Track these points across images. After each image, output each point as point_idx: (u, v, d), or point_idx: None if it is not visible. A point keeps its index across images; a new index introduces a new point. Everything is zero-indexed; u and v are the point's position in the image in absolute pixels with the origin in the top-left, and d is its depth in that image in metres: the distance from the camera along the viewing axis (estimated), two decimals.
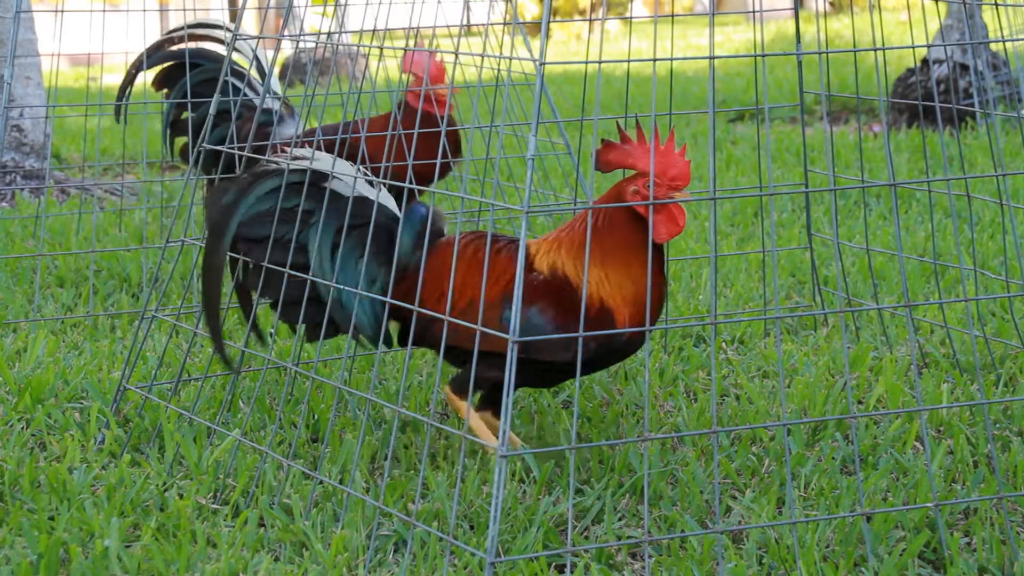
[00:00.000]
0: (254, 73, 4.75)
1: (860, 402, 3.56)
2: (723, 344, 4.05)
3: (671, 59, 2.66)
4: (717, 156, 7.27)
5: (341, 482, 2.99)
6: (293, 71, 11.31)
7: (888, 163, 2.65)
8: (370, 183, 3.09)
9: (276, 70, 4.17)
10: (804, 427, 3.28)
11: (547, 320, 2.94)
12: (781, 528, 2.71)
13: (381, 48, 3.44)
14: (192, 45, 4.82)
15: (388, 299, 3.00)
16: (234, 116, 3.65)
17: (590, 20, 3.20)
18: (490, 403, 3.10)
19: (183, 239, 3.53)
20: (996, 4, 3.73)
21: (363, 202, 3.06)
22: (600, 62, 2.57)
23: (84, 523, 2.79)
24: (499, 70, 4.36)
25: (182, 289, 4.52)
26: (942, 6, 7.95)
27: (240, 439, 3.08)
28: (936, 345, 3.94)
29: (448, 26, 4.47)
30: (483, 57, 2.84)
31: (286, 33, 3.75)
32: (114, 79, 10.59)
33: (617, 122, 2.88)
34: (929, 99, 7.45)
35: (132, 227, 5.62)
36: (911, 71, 8.00)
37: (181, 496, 2.96)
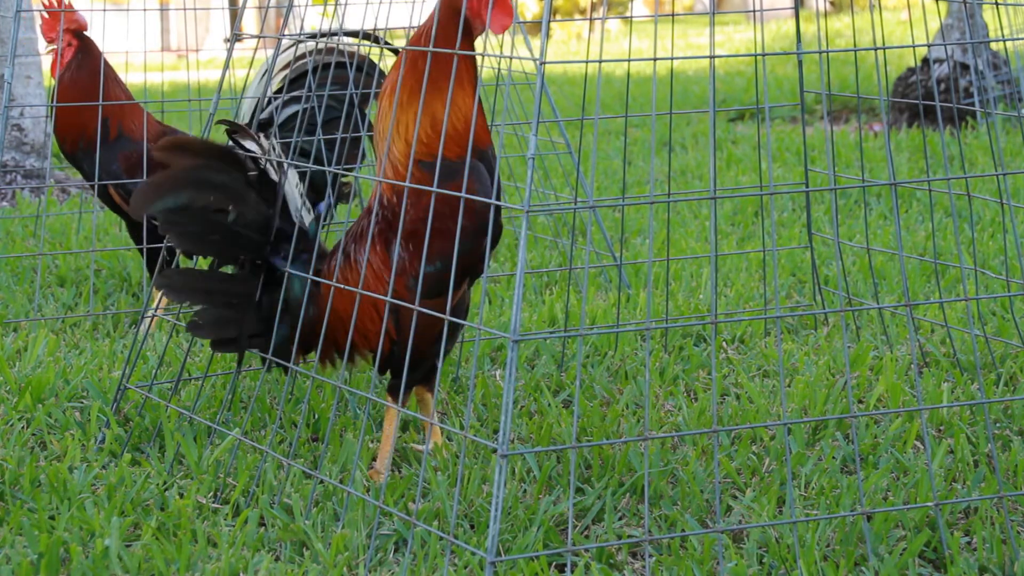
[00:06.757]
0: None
1: (860, 401, 3.56)
2: (723, 343, 4.05)
3: (671, 58, 2.66)
4: (717, 155, 7.27)
5: (342, 482, 2.99)
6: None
7: (888, 162, 2.65)
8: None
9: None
10: (804, 426, 3.28)
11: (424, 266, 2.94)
12: (781, 527, 2.71)
13: (381, 48, 3.43)
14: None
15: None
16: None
17: (590, 19, 3.20)
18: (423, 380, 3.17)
19: None
20: (996, 3, 3.73)
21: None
22: (600, 61, 2.57)
23: (84, 522, 2.79)
24: (499, 69, 4.36)
25: None
26: (942, 5, 7.95)
27: (240, 438, 3.08)
28: (936, 344, 3.94)
29: None
30: (483, 56, 2.84)
31: (286, 33, 3.75)
32: None
33: None
34: (929, 98, 7.45)
35: None
36: (911, 70, 8.00)
37: (181, 495, 2.96)
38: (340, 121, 3.88)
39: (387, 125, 2.97)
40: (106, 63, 4.39)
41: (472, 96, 2.93)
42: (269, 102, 4.00)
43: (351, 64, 3.70)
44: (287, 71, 3.88)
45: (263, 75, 3.84)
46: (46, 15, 4.36)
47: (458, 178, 2.86)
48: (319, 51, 3.80)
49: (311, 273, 3.06)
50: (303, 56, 3.83)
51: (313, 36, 3.75)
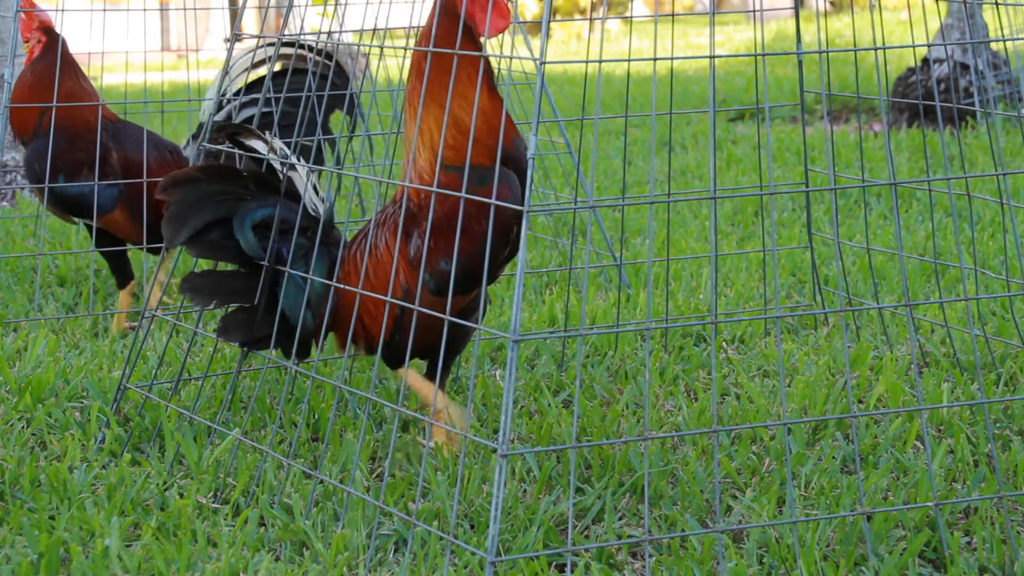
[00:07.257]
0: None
1: (860, 401, 3.56)
2: (723, 343, 4.05)
3: (671, 58, 2.66)
4: (717, 155, 7.27)
5: (342, 482, 2.99)
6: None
7: (888, 162, 2.65)
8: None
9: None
10: (804, 426, 3.28)
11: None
12: (781, 527, 2.71)
13: (381, 48, 3.43)
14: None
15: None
16: None
17: (590, 19, 3.20)
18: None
19: None
20: (996, 3, 3.73)
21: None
22: (600, 61, 2.57)
23: (84, 522, 2.79)
24: (499, 69, 4.36)
25: None
26: (942, 5, 7.95)
27: (240, 438, 3.08)
28: (936, 344, 3.94)
29: None
30: (483, 56, 2.84)
31: (286, 33, 3.75)
32: (114, 79, 10.60)
33: None
34: (929, 98, 7.45)
35: None
36: (911, 70, 8.00)
37: (181, 495, 2.96)
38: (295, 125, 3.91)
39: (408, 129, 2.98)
40: (68, 58, 4.41)
41: (484, 98, 2.92)
42: (229, 102, 4.04)
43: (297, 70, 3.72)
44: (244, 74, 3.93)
45: (223, 75, 3.87)
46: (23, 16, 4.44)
47: (488, 184, 2.86)
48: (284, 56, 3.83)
49: (330, 261, 3.07)
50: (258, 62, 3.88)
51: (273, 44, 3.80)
